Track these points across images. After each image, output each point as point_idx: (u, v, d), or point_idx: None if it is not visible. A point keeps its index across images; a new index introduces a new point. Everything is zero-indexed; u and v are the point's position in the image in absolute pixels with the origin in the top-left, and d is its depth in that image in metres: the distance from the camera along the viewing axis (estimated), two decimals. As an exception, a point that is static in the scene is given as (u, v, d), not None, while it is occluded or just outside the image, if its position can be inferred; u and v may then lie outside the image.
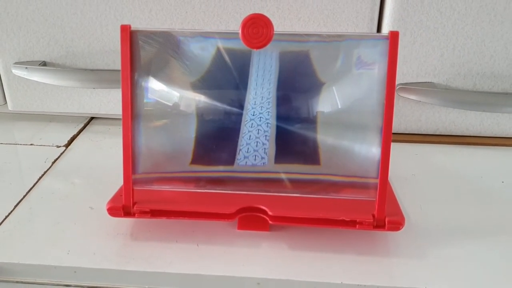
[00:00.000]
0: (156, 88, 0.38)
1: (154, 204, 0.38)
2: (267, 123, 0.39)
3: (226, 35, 0.37)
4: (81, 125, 0.57)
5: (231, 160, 0.39)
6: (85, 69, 0.52)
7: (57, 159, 0.50)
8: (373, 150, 0.36)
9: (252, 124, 0.39)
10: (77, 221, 0.40)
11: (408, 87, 0.51)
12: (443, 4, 0.48)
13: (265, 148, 0.39)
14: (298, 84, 0.38)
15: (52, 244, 0.38)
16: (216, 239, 0.38)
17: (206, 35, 0.37)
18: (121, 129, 0.37)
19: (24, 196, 0.43)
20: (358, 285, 0.34)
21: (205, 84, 0.38)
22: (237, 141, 0.39)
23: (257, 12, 0.50)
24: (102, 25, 0.52)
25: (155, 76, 0.38)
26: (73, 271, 0.36)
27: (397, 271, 0.35)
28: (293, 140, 0.38)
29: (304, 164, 0.38)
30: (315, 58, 0.37)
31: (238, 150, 0.39)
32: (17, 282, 0.36)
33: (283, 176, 0.38)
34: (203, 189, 0.38)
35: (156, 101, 0.38)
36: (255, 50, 0.35)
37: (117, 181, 0.40)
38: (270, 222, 0.37)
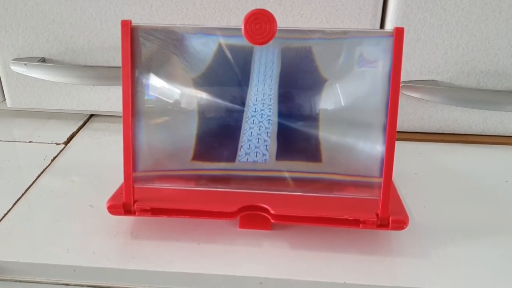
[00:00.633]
0: (157, 85, 0.38)
1: (155, 202, 0.37)
2: (269, 119, 0.38)
3: (228, 32, 0.37)
4: (81, 122, 0.56)
5: (232, 157, 0.38)
6: (85, 66, 0.51)
7: (56, 156, 0.49)
8: (377, 148, 0.36)
9: (253, 120, 0.39)
10: (76, 219, 0.40)
11: (411, 85, 0.51)
12: (447, 1, 0.47)
13: (266, 145, 0.39)
14: (300, 80, 0.38)
15: (51, 242, 0.37)
16: (218, 237, 0.38)
17: (207, 32, 0.37)
18: (121, 127, 0.36)
19: (23, 194, 0.43)
20: (361, 284, 0.33)
21: (206, 80, 0.38)
22: (238, 138, 0.38)
23: (259, 8, 0.50)
24: (102, 21, 0.51)
25: (156, 73, 0.38)
26: (73, 270, 0.35)
27: (401, 270, 0.35)
28: (295, 137, 0.38)
29: (305, 162, 0.38)
30: (318, 54, 0.37)
31: (239, 146, 0.39)
32: (16, 281, 0.36)
33: (285, 174, 0.38)
34: (204, 187, 0.38)
35: (157, 98, 0.38)
36: (257, 46, 0.35)
37: (117, 179, 0.39)
38: (272, 221, 0.37)
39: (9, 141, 0.52)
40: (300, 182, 0.38)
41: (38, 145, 0.51)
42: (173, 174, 0.38)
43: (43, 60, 0.53)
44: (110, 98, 0.55)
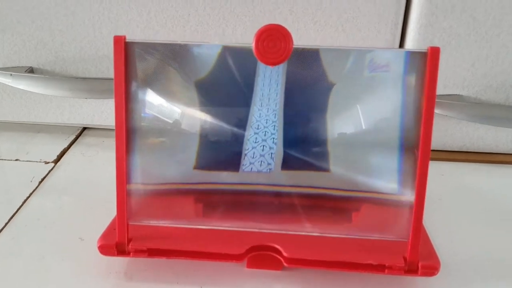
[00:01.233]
0: (154, 103, 0.34)
1: (152, 241, 0.33)
2: (274, 125, 0.35)
3: (236, 50, 0.32)
4: (72, 137, 0.52)
5: (236, 166, 0.35)
6: (76, 78, 0.47)
7: (44, 177, 0.45)
8: (393, 165, 0.32)
9: (256, 139, 0.35)
10: (65, 255, 0.35)
11: (434, 99, 0.46)
12: (477, 9, 0.43)
13: (271, 153, 0.35)
14: (307, 90, 0.34)
15: (36, 284, 0.33)
16: (222, 279, 0.33)
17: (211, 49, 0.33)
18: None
19: (6, 224, 0.39)
20: None
21: (207, 97, 0.34)
22: (241, 147, 0.35)
23: (268, 15, 0.45)
24: (95, 28, 0.47)
25: (153, 89, 0.34)
26: (58, 320, 0.31)
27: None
28: (302, 146, 0.35)
29: (313, 171, 0.34)
30: (325, 59, 0.32)
31: (243, 155, 0.35)
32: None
33: (292, 190, 0.34)
34: (206, 221, 0.34)
35: (154, 117, 0.34)
36: (271, 66, 0.30)
37: (111, 205, 0.34)
38: (285, 264, 0.32)
39: (-6, 158, 0.48)
40: (308, 199, 0.34)
41: (25, 164, 0.47)
42: (171, 188, 0.35)
43: (31, 69, 0.48)
44: (105, 110, 0.50)
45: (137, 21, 0.46)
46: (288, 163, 0.35)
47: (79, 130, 0.53)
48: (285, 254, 0.32)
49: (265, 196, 0.35)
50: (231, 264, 0.34)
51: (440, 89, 0.46)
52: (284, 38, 0.29)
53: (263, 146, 0.36)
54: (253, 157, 0.35)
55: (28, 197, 0.42)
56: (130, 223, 0.33)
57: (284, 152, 0.35)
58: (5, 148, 0.50)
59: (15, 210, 0.40)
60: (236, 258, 0.32)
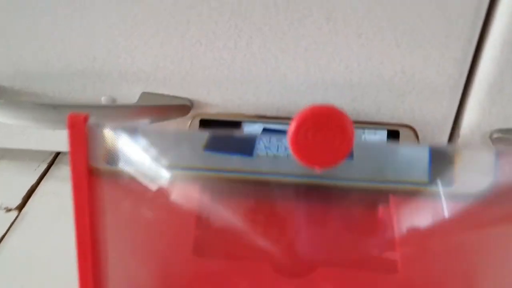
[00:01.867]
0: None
1: None
2: None
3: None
4: (44, 166, 0.41)
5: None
6: (42, 104, 0.35)
7: (4, 236, 0.35)
8: None
9: None
10: None
11: (509, 136, 0.36)
12: None
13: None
14: None
15: None
16: None
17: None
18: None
19: None
20: None
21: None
22: None
23: (297, 24, 0.33)
24: (65, 34, 0.35)
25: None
26: None
27: None
28: None
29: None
30: None
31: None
32: None
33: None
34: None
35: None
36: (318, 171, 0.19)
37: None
38: None
39: None
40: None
41: (-22, 212, 0.37)
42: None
43: (-17, 86, 0.37)
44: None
45: (119, 29, 0.34)
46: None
47: (52, 156, 0.42)
48: None
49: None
50: None
51: (520, 125, 0.35)
52: (342, 129, 0.18)
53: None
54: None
55: (-20, 270, 0.32)
56: None
57: None
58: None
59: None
60: None
